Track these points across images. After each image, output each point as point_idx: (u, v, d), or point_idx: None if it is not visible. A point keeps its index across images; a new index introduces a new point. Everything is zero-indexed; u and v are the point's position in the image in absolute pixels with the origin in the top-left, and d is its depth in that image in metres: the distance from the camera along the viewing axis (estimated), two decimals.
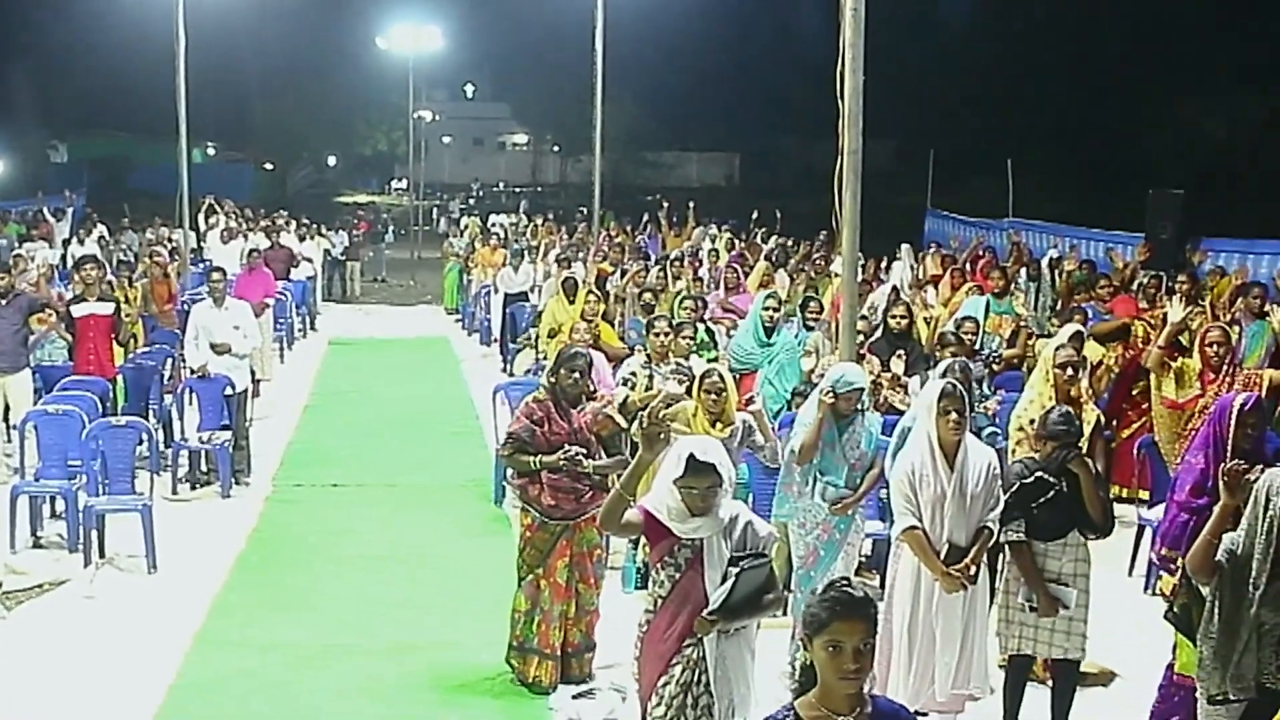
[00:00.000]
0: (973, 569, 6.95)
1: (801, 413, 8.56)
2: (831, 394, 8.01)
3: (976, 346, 11.68)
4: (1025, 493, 7.17)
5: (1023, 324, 13.28)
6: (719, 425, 8.64)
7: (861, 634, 3.99)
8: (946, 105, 56.59)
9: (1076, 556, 7.25)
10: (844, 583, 4.09)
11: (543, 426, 8.10)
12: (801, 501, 8.32)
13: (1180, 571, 6.20)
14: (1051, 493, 7.16)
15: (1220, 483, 5.82)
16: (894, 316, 11.66)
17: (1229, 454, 6.98)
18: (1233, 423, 7.08)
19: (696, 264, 19.39)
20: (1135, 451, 10.88)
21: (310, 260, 25.96)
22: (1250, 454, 6.35)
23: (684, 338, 10.86)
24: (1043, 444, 7.33)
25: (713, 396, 8.73)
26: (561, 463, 8.01)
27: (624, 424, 8.56)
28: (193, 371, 12.94)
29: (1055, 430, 7.23)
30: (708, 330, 12.92)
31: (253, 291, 16.33)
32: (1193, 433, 9.04)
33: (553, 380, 8.24)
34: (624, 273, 17.10)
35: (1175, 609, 6.31)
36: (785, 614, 8.01)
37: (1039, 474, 7.19)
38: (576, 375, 8.14)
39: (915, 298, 15.52)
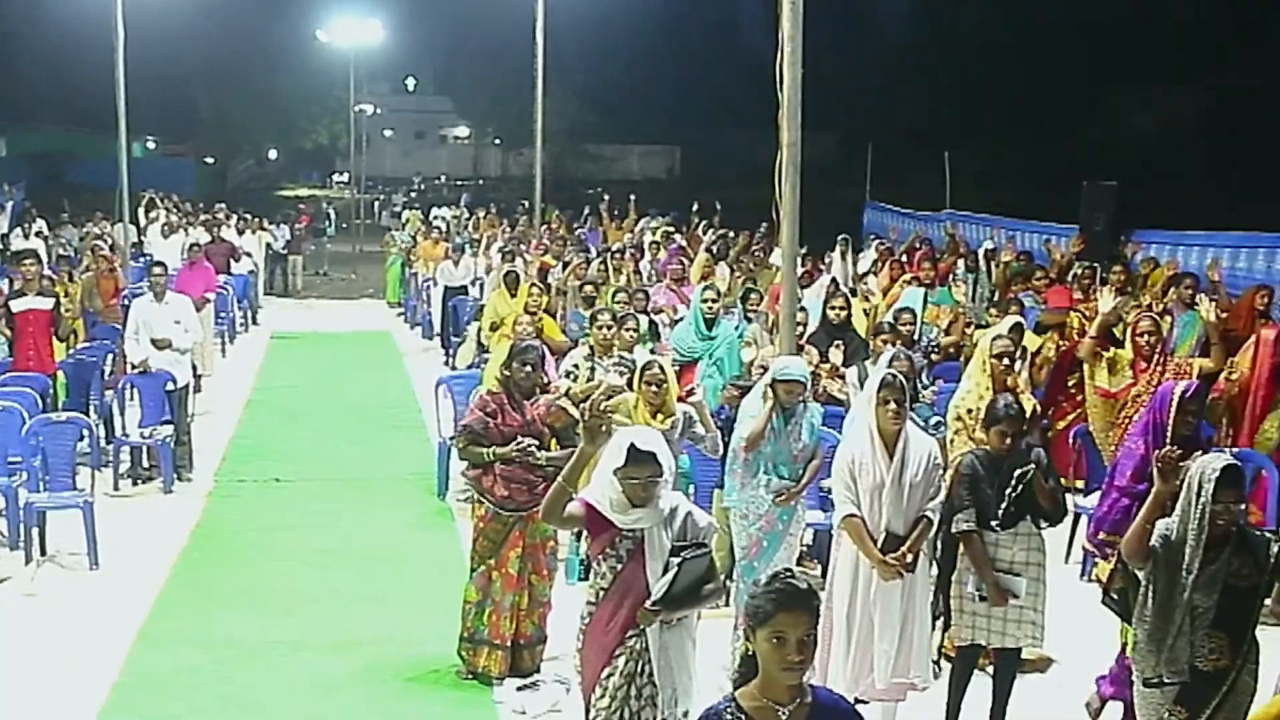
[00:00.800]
0: (910, 557, 7.01)
1: (746, 403, 8.64)
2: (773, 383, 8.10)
3: (915, 337, 11.80)
4: (976, 481, 7.24)
5: (961, 311, 13.42)
6: (660, 417, 8.70)
7: (805, 625, 4.02)
8: (886, 99, 56.90)
9: (1029, 545, 7.32)
10: (788, 574, 4.12)
11: (496, 418, 8.16)
12: (744, 493, 8.40)
13: (1116, 556, 6.30)
14: (1020, 486, 7.23)
15: (1154, 469, 5.94)
16: (833, 308, 11.76)
17: (1169, 441, 7.12)
18: (1174, 410, 7.23)
19: (637, 256, 19.45)
20: (1070, 441, 11.04)
21: (250, 255, 25.83)
22: (1189, 441, 6.47)
23: (628, 330, 10.91)
24: (988, 433, 7.39)
25: (653, 388, 8.81)
26: (515, 454, 8.06)
27: (577, 415, 8.61)
28: (133, 367, 12.87)
29: (999, 416, 7.30)
30: (650, 323, 12.99)
31: (193, 286, 16.24)
32: (1128, 420, 9.19)
33: (506, 373, 8.29)
34: (565, 265, 17.13)
35: (1113, 594, 6.42)
36: (726, 604, 8.07)
37: (1026, 466, 7.23)
38: (529, 368, 8.20)
39: (855, 288, 15.65)
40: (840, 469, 7.14)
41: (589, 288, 14.11)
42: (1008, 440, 7.25)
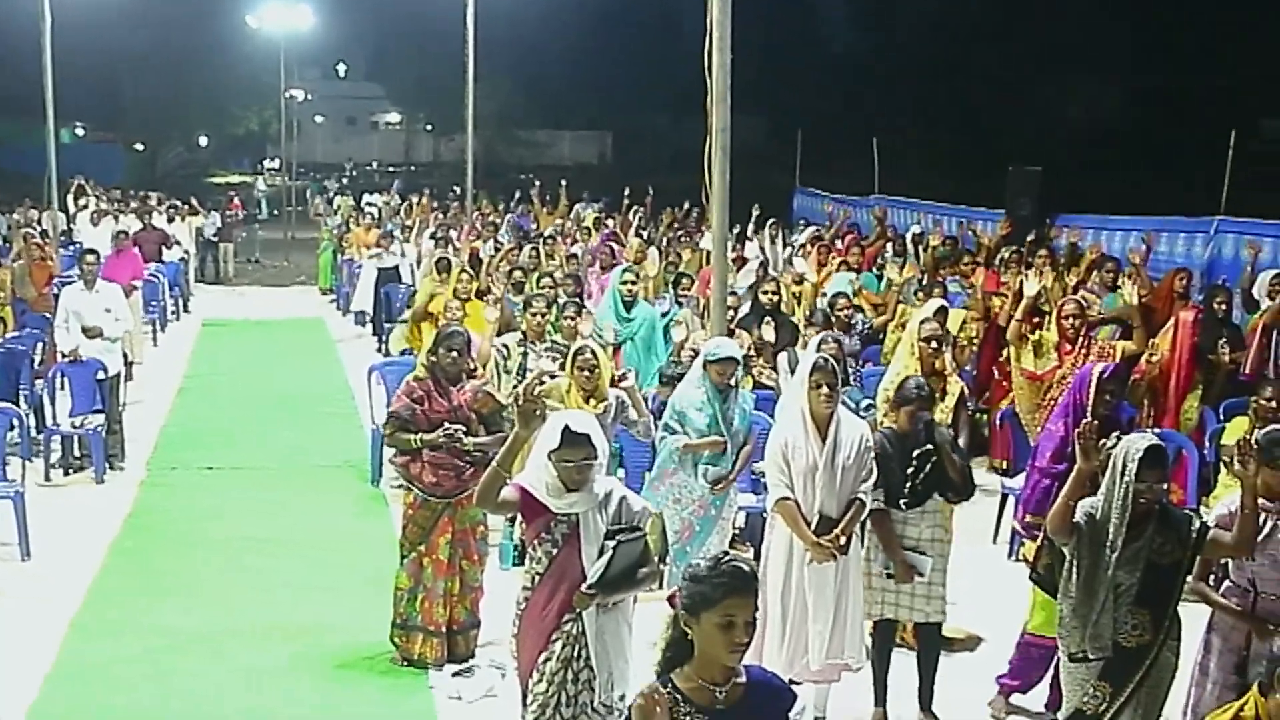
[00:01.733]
0: (843, 539, 7.08)
1: (681, 389, 8.71)
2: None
3: (850, 321, 11.92)
4: (884, 460, 7.34)
5: (896, 292, 13.59)
6: (593, 401, 8.76)
7: (751, 608, 4.06)
8: (814, 85, 57.15)
9: (935, 523, 7.44)
10: (730, 558, 4.15)
11: (423, 405, 8.16)
12: (677, 478, 8.48)
13: (1042, 533, 6.42)
14: (926, 464, 7.35)
15: (1076, 446, 6.06)
16: (764, 292, 11.85)
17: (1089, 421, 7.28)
18: (1093, 390, 7.34)
19: (569, 241, 19.49)
20: (998, 422, 11.19)
21: (181, 242, 25.64)
22: (1109, 421, 6.60)
23: (567, 319, 10.93)
24: (898, 413, 7.50)
25: (586, 373, 8.86)
26: (442, 440, 8.08)
27: (503, 401, 8.65)
28: (64, 355, 12.77)
29: (909, 396, 7.41)
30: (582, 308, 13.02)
31: (120, 273, 16.11)
32: (1053, 402, 9.34)
33: (432, 359, 8.30)
34: (498, 250, 17.14)
35: (1039, 570, 6.54)
36: (661, 587, 8.14)
37: (926, 447, 7.36)
38: (455, 353, 8.22)
39: (785, 271, 15.76)
40: (773, 452, 7.21)
41: (518, 273, 14.15)
42: (917, 425, 7.37)
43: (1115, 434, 6.25)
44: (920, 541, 7.39)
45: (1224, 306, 11.76)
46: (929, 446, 7.34)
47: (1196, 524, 6.10)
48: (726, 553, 4.21)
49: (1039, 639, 7.56)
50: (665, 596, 4.31)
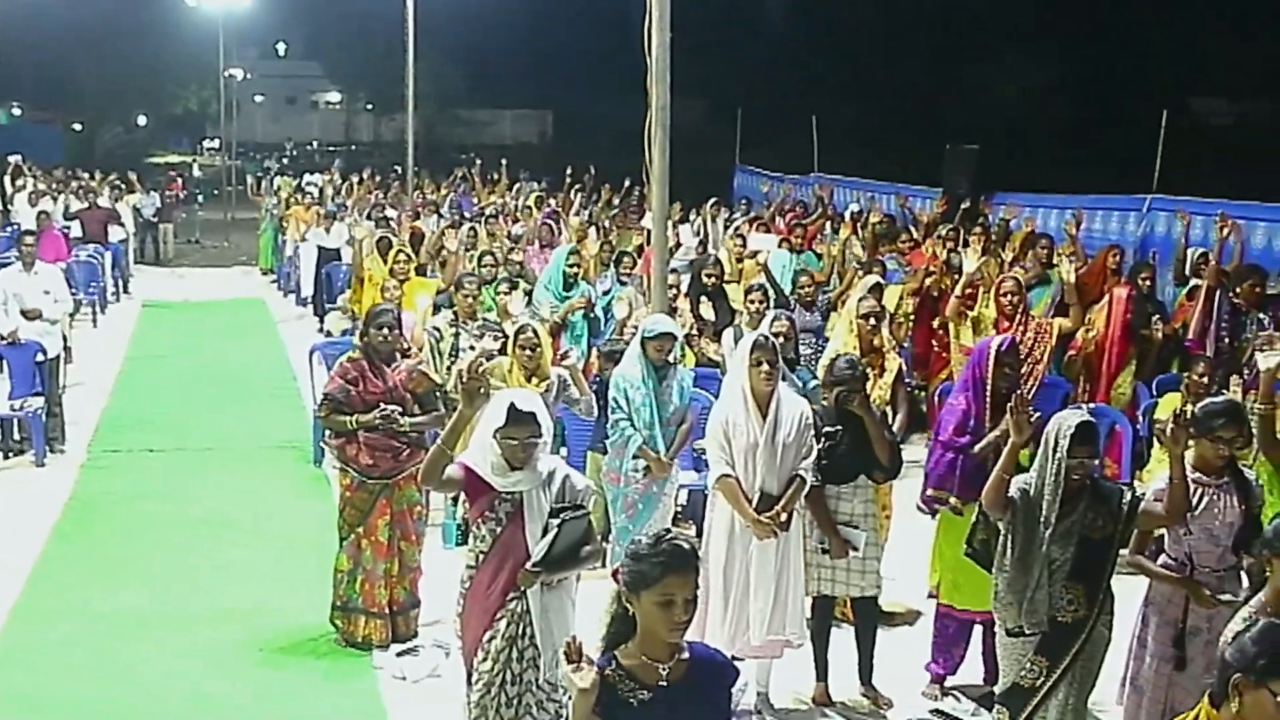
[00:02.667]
0: (784, 516, 7.12)
1: (621, 369, 8.76)
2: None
3: (813, 299, 12.01)
4: (830, 440, 7.40)
5: (856, 267, 13.72)
6: (534, 380, 8.80)
7: (691, 586, 4.10)
8: (754, 65, 57.19)
9: (867, 498, 7.53)
10: (670, 536, 4.18)
11: (358, 386, 8.15)
12: (617, 459, 8.54)
13: (978, 509, 6.51)
14: (833, 438, 7.42)
15: (1009, 420, 6.13)
16: (708, 275, 11.91)
17: (989, 394, 7.37)
18: (991, 364, 7.42)
19: (510, 221, 19.47)
20: (936, 397, 11.29)
21: (121, 223, 25.42)
22: (1008, 394, 6.67)
23: (500, 294, 10.96)
24: (830, 390, 7.57)
25: (528, 352, 8.90)
26: (378, 421, 8.07)
27: (438, 380, 8.67)
28: (2, 338, 12.67)
29: (841, 375, 7.48)
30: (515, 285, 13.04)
31: (43, 255, 15.99)
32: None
33: (364, 339, 8.31)
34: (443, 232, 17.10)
35: (975, 545, 6.59)
36: (604, 565, 8.18)
37: (838, 426, 7.43)
38: (386, 332, 8.21)
39: (729, 240, 15.80)
40: (714, 430, 7.25)
41: (444, 252, 14.19)
42: (853, 402, 7.43)
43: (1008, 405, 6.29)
44: (854, 517, 7.48)
45: (1148, 283, 11.93)
46: (839, 428, 7.42)
47: (1128, 497, 6.17)
48: (667, 531, 4.25)
49: (951, 610, 7.69)
50: (609, 573, 4.35)
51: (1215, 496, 6.26)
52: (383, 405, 8.10)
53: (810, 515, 7.47)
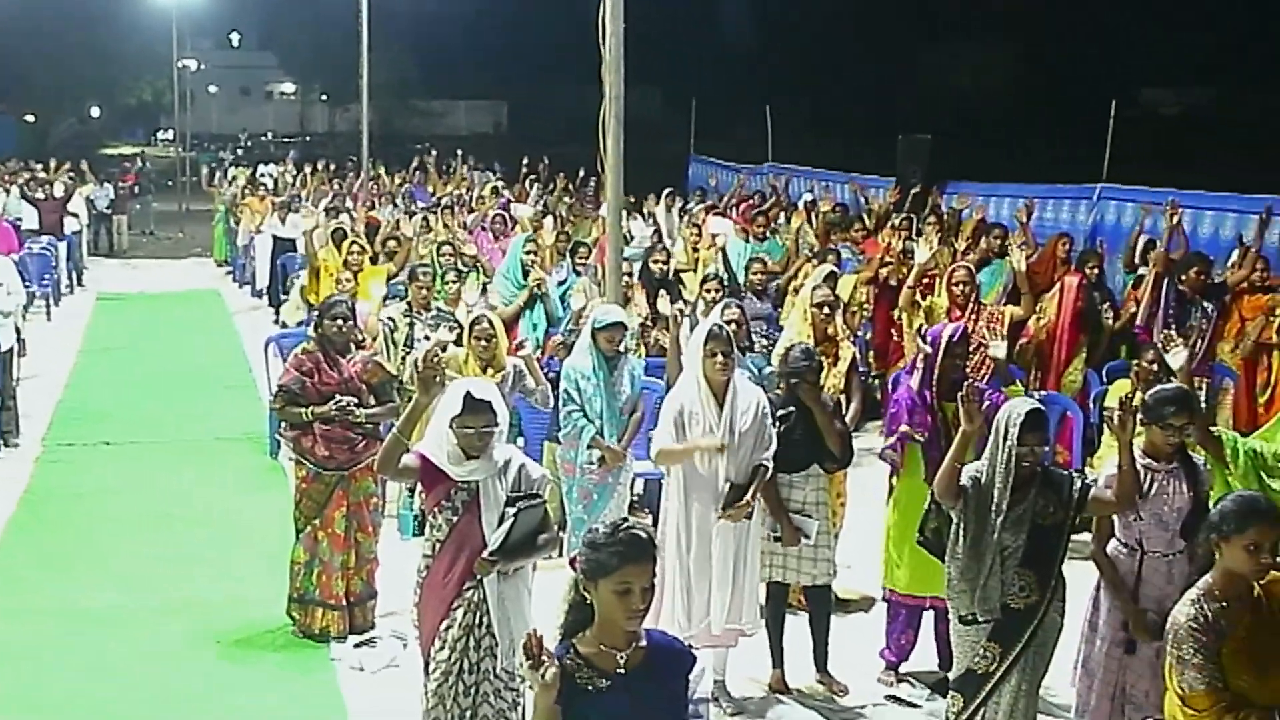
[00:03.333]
0: (751, 507, 7.18)
1: (573, 359, 8.79)
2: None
3: (764, 287, 12.07)
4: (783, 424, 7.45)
5: (808, 256, 13.79)
6: (490, 371, 8.81)
7: (649, 574, 4.11)
8: (708, 54, 57.31)
9: (819, 486, 7.59)
10: (628, 525, 4.18)
11: (313, 377, 8.14)
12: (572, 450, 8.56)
13: (930, 498, 6.57)
14: (786, 420, 7.46)
15: (960, 409, 6.16)
16: (655, 261, 11.94)
17: (937, 380, 7.44)
18: (941, 353, 7.46)
19: (465, 211, 19.45)
20: (891, 385, 11.36)
21: (76, 215, 25.23)
22: (957, 382, 6.73)
23: (448, 284, 10.96)
24: (783, 379, 7.61)
25: (483, 343, 8.92)
26: (333, 413, 8.07)
27: (393, 371, 8.68)
28: None
29: (796, 366, 7.52)
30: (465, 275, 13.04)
31: None
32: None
33: (318, 330, 8.30)
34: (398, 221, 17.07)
35: (927, 534, 6.60)
36: (560, 555, 8.19)
37: (788, 408, 7.47)
38: (340, 323, 8.21)
39: (685, 235, 15.84)
40: (667, 416, 7.25)
41: (391, 242, 14.19)
42: (805, 387, 7.47)
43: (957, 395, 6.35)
44: (805, 505, 7.52)
45: (1096, 271, 12.04)
46: (791, 410, 7.47)
47: (1078, 484, 6.23)
48: (625, 520, 4.26)
49: (900, 596, 7.76)
50: (566, 561, 4.37)
51: (1165, 482, 6.31)
52: (338, 397, 8.10)
53: (763, 502, 7.50)
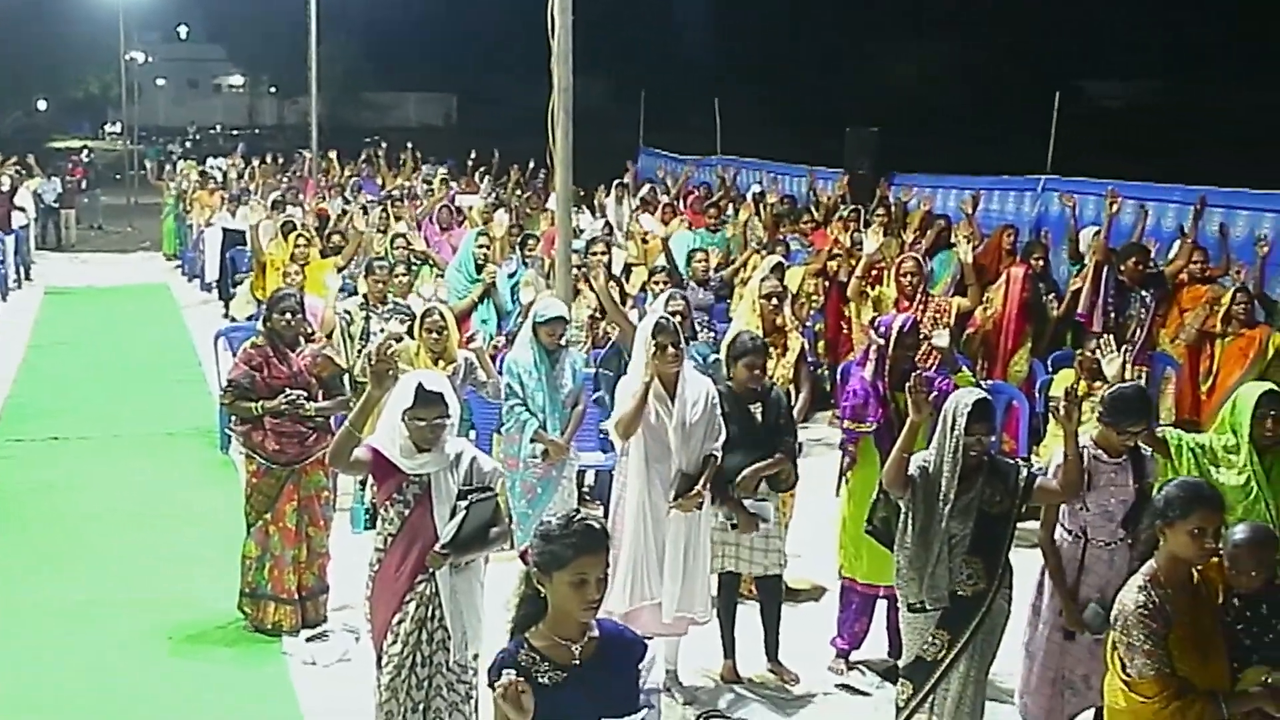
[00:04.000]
0: (703, 497, 7.19)
1: (513, 353, 8.81)
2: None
3: (707, 276, 12.12)
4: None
5: (756, 246, 13.85)
6: (441, 363, 8.82)
7: (603, 565, 4.11)
8: (657, 46, 57.38)
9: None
10: (581, 516, 4.18)
11: (262, 371, 8.13)
12: (517, 443, 8.58)
13: (878, 487, 6.61)
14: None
15: (908, 399, 6.22)
16: (594, 253, 11.96)
17: (890, 370, 7.49)
18: (892, 344, 7.51)
19: (416, 204, 19.41)
20: (840, 375, 11.43)
21: (23, 209, 25.03)
22: (908, 373, 6.79)
23: (397, 278, 10.97)
24: (735, 366, 7.58)
25: (434, 335, 8.91)
26: (283, 407, 8.06)
27: (343, 365, 8.67)
28: None
29: (751, 348, 7.53)
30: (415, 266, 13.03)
31: None
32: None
33: (267, 324, 8.29)
34: (343, 213, 17.04)
35: (876, 523, 6.68)
36: (512, 547, 8.22)
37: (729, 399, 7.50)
38: (288, 317, 8.19)
39: (631, 228, 15.89)
40: (624, 395, 7.23)
41: (336, 236, 14.17)
42: (755, 372, 7.50)
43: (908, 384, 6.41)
44: (758, 493, 7.55)
45: (1041, 262, 12.16)
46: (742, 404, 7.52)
47: (1024, 473, 6.31)
48: (577, 511, 4.26)
49: (854, 584, 7.82)
50: (517, 554, 4.38)
51: (1114, 474, 6.41)
52: (288, 390, 8.08)
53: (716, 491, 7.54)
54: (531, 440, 8.46)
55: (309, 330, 8.78)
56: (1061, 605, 6.43)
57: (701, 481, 7.20)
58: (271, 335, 8.22)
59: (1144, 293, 11.06)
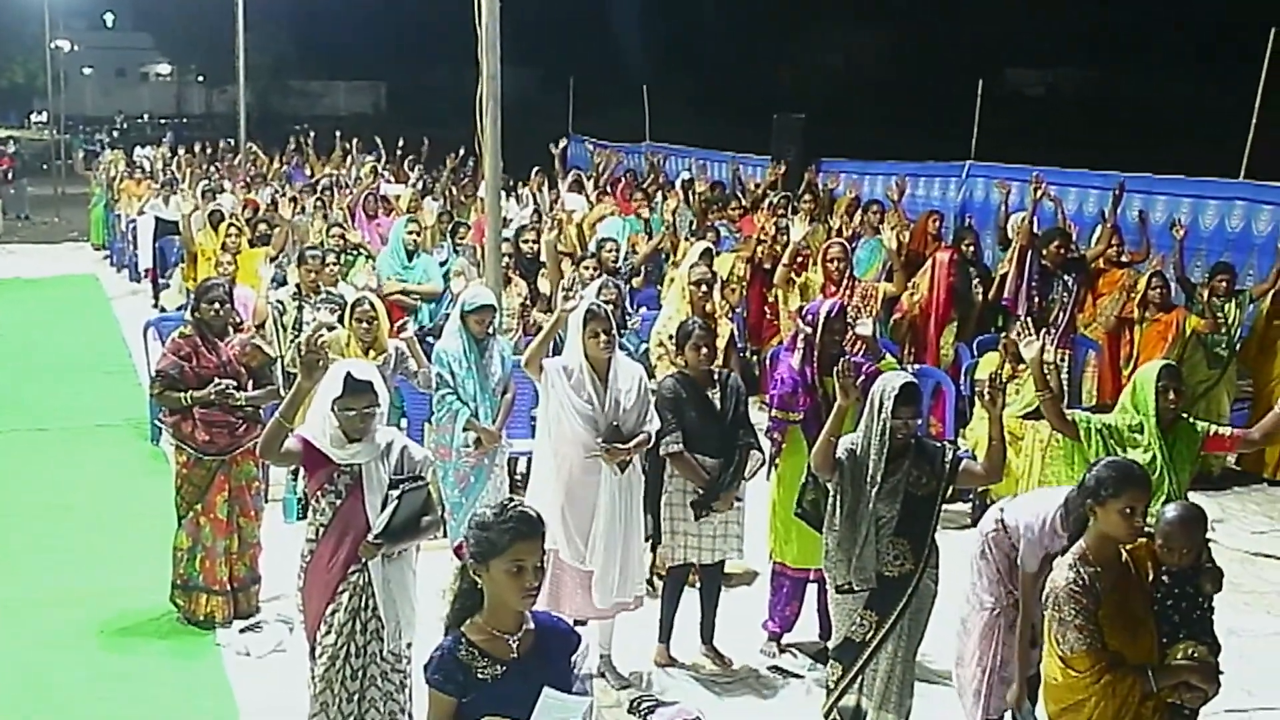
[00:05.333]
0: (632, 455, 7.20)
1: (442, 343, 8.82)
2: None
3: (617, 265, 12.16)
4: (679, 404, 7.53)
5: (668, 229, 13.91)
6: (372, 353, 8.82)
7: (540, 552, 4.12)
8: (586, 34, 57.33)
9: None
10: (516, 504, 4.20)
11: (191, 361, 8.09)
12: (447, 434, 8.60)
13: (807, 470, 6.66)
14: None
15: (836, 384, 6.30)
16: (525, 241, 11.99)
17: (818, 356, 7.57)
18: (820, 329, 7.57)
19: (345, 192, 19.33)
20: (766, 361, 11.51)
21: None
22: (836, 358, 6.87)
23: (328, 268, 10.97)
24: (684, 352, 7.65)
25: (364, 325, 8.92)
26: (212, 397, 8.04)
27: (273, 354, 8.66)
28: None
29: (692, 331, 7.58)
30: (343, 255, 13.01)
31: None
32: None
33: (195, 314, 8.26)
34: (273, 203, 16.96)
35: (805, 506, 6.75)
36: (444, 535, 8.17)
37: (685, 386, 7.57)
38: (217, 306, 8.18)
39: (557, 213, 15.92)
40: (551, 372, 7.24)
41: (263, 225, 14.11)
42: (704, 352, 7.56)
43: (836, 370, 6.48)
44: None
45: (971, 248, 12.30)
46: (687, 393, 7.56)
47: (950, 455, 6.39)
48: (511, 500, 4.28)
49: (785, 568, 7.91)
50: (453, 547, 4.40)
51: None
52: (217, 380, 8.07)
53: (681, 483, 7.61)
54: (464, 429, 8.48)
55: (238, 320, 8.75)
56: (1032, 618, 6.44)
57: (633, 443, 7.19)
58: (200, 325, 8.19)
59: (1066, 277, 11.22)
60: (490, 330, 8.64)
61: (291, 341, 10.10)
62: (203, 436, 8.08)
